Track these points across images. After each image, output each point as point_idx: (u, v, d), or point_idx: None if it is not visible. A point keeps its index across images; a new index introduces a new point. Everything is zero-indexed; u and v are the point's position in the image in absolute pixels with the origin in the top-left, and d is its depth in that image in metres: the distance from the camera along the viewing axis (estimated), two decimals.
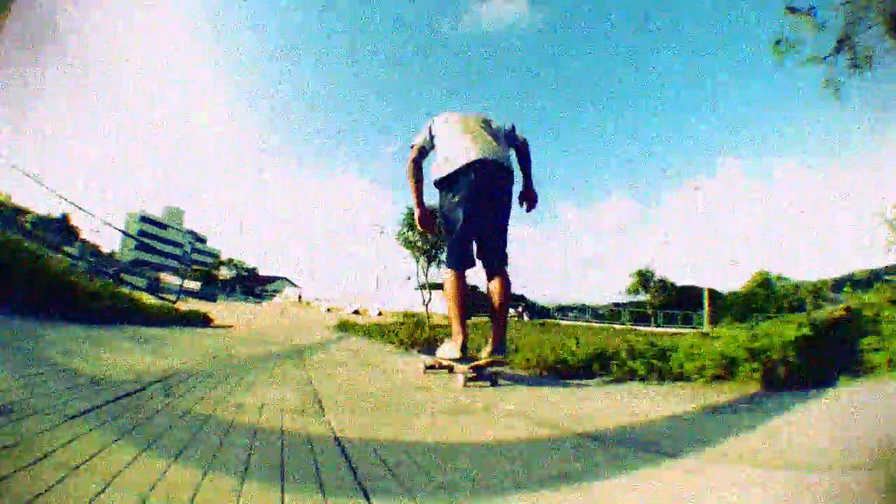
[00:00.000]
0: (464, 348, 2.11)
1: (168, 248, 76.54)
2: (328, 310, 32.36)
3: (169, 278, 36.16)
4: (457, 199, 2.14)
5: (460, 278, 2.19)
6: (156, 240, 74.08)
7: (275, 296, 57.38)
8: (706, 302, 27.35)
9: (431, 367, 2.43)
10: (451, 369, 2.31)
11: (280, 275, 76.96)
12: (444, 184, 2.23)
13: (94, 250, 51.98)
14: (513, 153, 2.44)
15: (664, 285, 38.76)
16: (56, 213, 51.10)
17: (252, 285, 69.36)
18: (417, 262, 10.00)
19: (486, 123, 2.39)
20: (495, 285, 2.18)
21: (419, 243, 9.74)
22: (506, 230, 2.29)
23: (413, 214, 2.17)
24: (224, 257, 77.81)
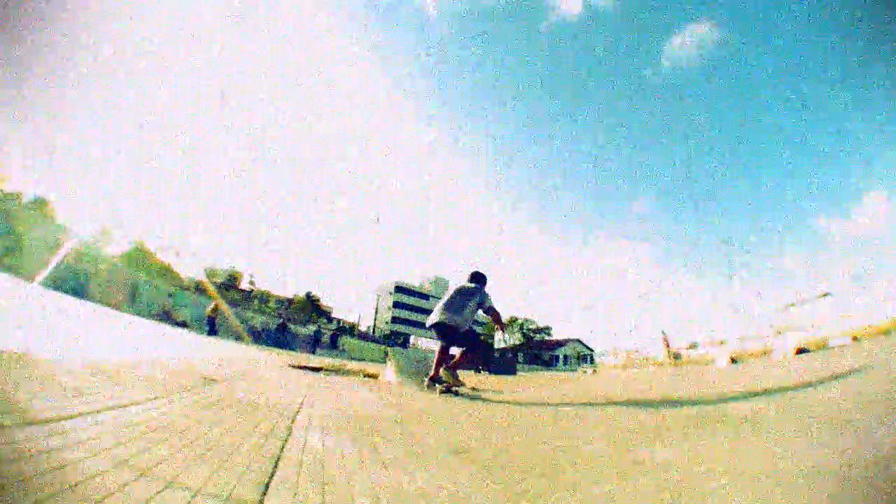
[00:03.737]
0: (431, 378, 4.40)
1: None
2: (732, 360, 18.33)
3: (419, 342, 37.91)
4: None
5: (441, 349, 4.42)
6: (411, 310, 67.60)
7: (588, 365, 38.14)
8: None
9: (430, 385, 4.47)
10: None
11: (572, 337, 60.84)
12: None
13: (344, 324, 52.67)
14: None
15: None
16: (301, 294, 53.99)
17: (537, 350, 55.74)
18: None
19: (458, 294, 4.46)
20: (457, 352, 4.49)
21: None
22: (458, 338, 4.37)
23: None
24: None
